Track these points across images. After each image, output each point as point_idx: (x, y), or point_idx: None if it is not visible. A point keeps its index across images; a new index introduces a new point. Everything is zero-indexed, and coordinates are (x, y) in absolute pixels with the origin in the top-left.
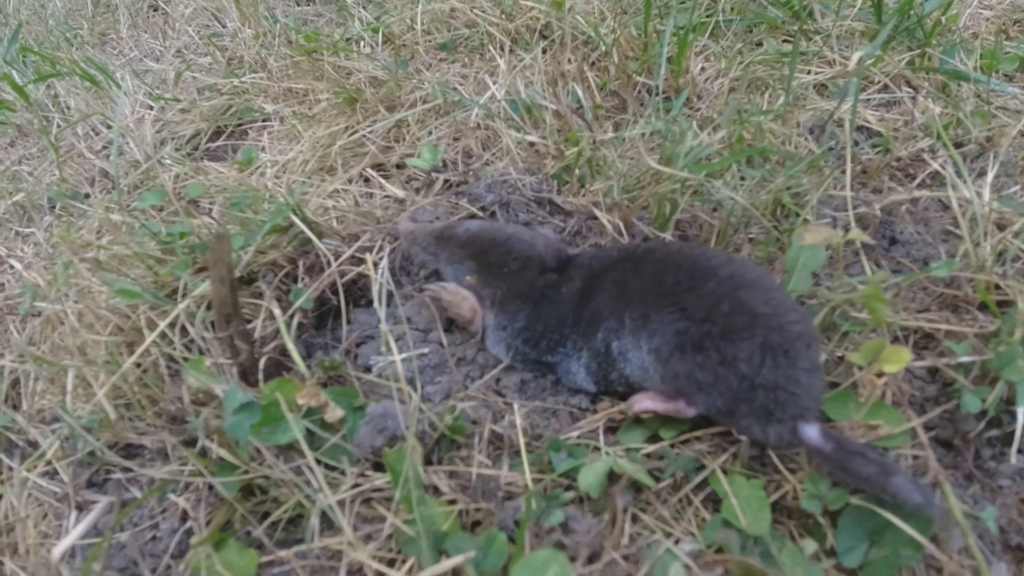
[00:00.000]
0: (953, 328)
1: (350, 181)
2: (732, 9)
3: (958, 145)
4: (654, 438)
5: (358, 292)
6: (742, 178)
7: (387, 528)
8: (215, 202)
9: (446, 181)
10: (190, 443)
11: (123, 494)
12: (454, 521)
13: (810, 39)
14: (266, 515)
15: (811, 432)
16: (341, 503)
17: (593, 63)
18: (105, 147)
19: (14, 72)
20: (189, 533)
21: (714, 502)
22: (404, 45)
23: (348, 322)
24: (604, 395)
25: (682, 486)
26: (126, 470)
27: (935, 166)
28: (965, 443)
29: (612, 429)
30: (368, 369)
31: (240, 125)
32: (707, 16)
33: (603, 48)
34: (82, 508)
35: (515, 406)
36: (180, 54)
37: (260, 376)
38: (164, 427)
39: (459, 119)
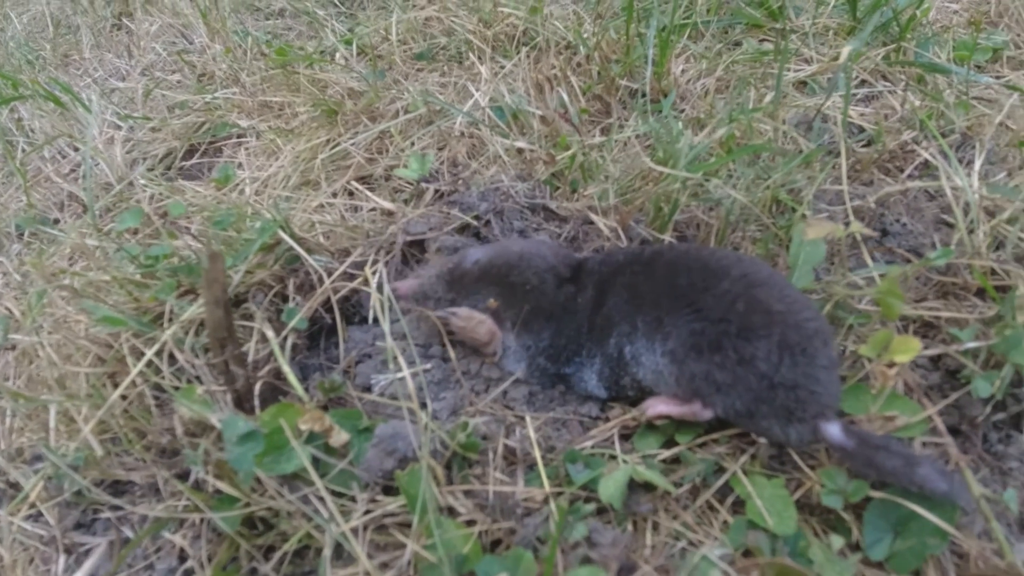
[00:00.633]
0: (954, 315)
1: (334, 195)
2: (709, 10)
3: (941, 136)
4: (670, 443)
5: (351, 309)
6: (730, 176)
7: (405, 555)
8: (193, 222)
9: (436, 191)
10: (182, 476)
11: (116, 534)
12: (475, 543)
13: (786, 38)
14: (271, 549)
15: (833, 430)
16: (354, 531)
17: (575, 67)
18: (73, 170)
19: None
20: (189, 573)
21: (734, 504)
22: (380, 56)
23: (343, 341)
24: (614, 402)
25: (701, 490)
26: (115, 508)
27: (926, 156)
28: (973, 428)
29: (625, 436)
30: (368, 389)
31: (214, 142)
32: (686, 18)
33: (583, 52)
34: (71, 551)
35: (527, 418)
36: (147, 72)
37: (256, 402)
38: (154, 461)
39: (443, 128)
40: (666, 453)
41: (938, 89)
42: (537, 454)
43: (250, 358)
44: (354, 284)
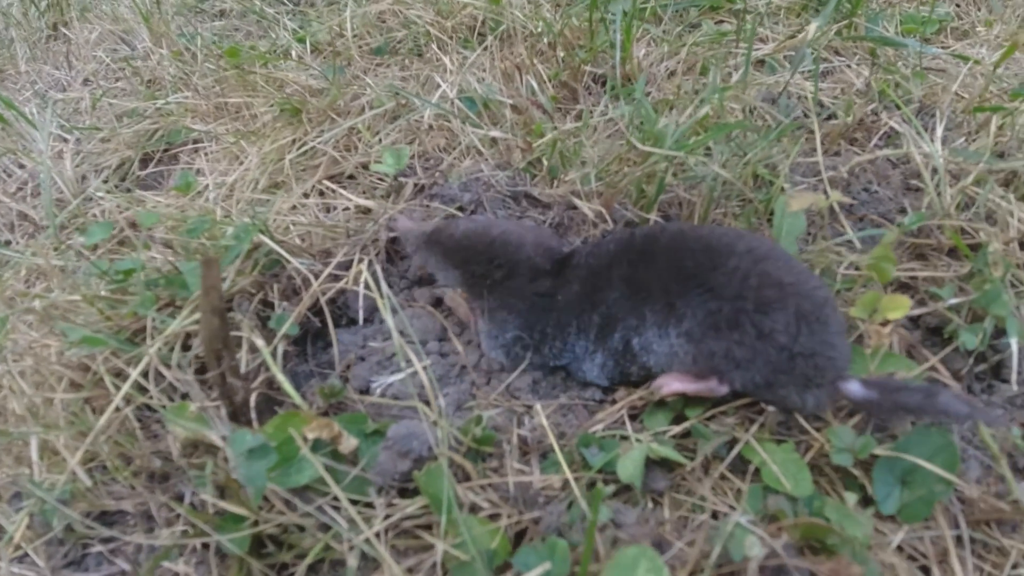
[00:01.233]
0: (931, 275)
1: (306, 195)
2: None
3: (899, 106)
4: (678, 419)
5: (337, 311)
6: (707, 153)
7: (432, 557)
8: (156, 233)
9: (416, 185)
10: (177, 499)
11: (109, 567)
12: (502, 537)
13: (741, 18)
14: (283, 567)
15: (854, 387)
16: (377, 536)
17: (539, 54)
18: (20, 188)
19: None
20: None
21: (744, 472)
22: (338, 52)
23: (333, 344)
24: (616, 385)
25: (714, 462)
26: (106, 540)
27: (893, 125)
28: (957, 380)
29: (633, 416)
30: (366, 391)
31: (169, 149)
32: (644, 2)
33: (547, 40)
34: None
35: (537, 407)
36: (90, 81)
37: (253, 415)
38: (145, 487)
39: (411, 122)
40: (676, 429)
41: (891, 62)
42: (554, 441)
43: (241, 369)
44: (348, 285)
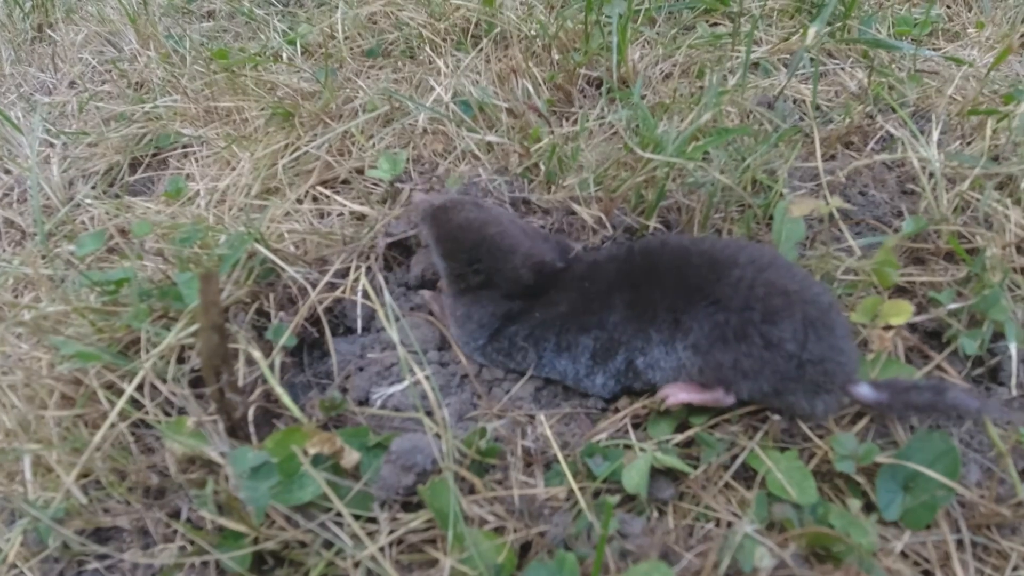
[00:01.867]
0: (929, 279)
1: (299, 201)
2: None
3: (895, 109)
4: (682, 427)
5: (334, 320)
6: (705, 159)
7: (438, 572)
8: (146, 241)
9: (412, 190)
10: (173, 516)
11: None
12: (509, 551)
13: (733, 20)
14: None
15: (864, 390)
16: (381, 552)
17: (533, 56)
18: (6, 194)
19: None
20: None
21: (746, 480)
22: (329, 54)
23: (330, 354)
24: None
25: (718, 470)
26: (102, 557)
27: (890, 129)
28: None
29: (636, 425)
30: (364, 402)
31: (158, 154)
32: (638, 4)
33: (541, 43)
34: None
35: (541, 416)
36: (76, 84)
37: (251, 430)
38: (141, 503)
39: (406, 126)
40: (680, 437)
41: (884, 64)
42: (558, 451)
43: (239, 383)
44: (346, 294)
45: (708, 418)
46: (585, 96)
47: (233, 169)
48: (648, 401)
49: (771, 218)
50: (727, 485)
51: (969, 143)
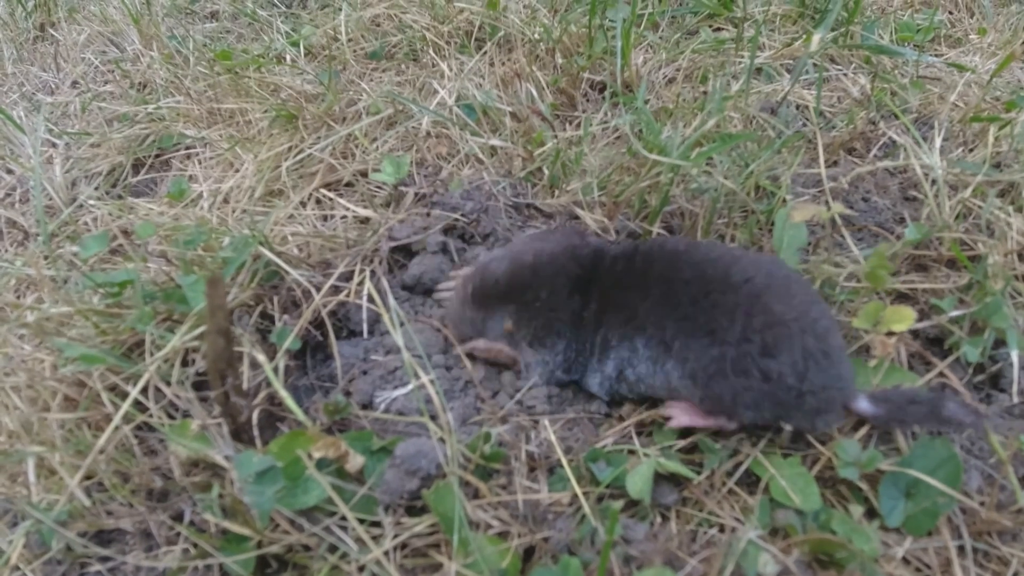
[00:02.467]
0: (930, 286)
1: (303, 204)
2: (662, 0)
3: (897, 116)
4: (686, 433)
5: (337, 323)
6: (708, 164)
7: None
8: (149, 243)
9: (416, 194)
10: (176, 519)
11: None
12: (513, 556)
13: (737, 25)
14: None
15: (863, 405)
16: (386, 556)
17: (536, 60)
18: (8, 195)
19: None
20: None
21: (749, 486)
22: (333, 56)
23: (334, 357)
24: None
25: (721, 477)
26: (104, 560)
27: (892, 135)
28: (954, 392)
29: (639, 431)
30: (368, 406)
31: (161, 155)
32: (642, 8)
33: (544, 46)
34: None
35: (545, 421)
36: (79, 84)
37: (255, 433)
38: (144, 505)
39: (410, 128)
40: (683, 443)
41: (886, 70)
42: (562, 456)
43: (243, 386)
44: (350, 298)
45: None
46: (589, 100)
47: (236, 171)
48: (652, 412)
49: (774, 224)
50: (730, 491)
51: (971, 150)
